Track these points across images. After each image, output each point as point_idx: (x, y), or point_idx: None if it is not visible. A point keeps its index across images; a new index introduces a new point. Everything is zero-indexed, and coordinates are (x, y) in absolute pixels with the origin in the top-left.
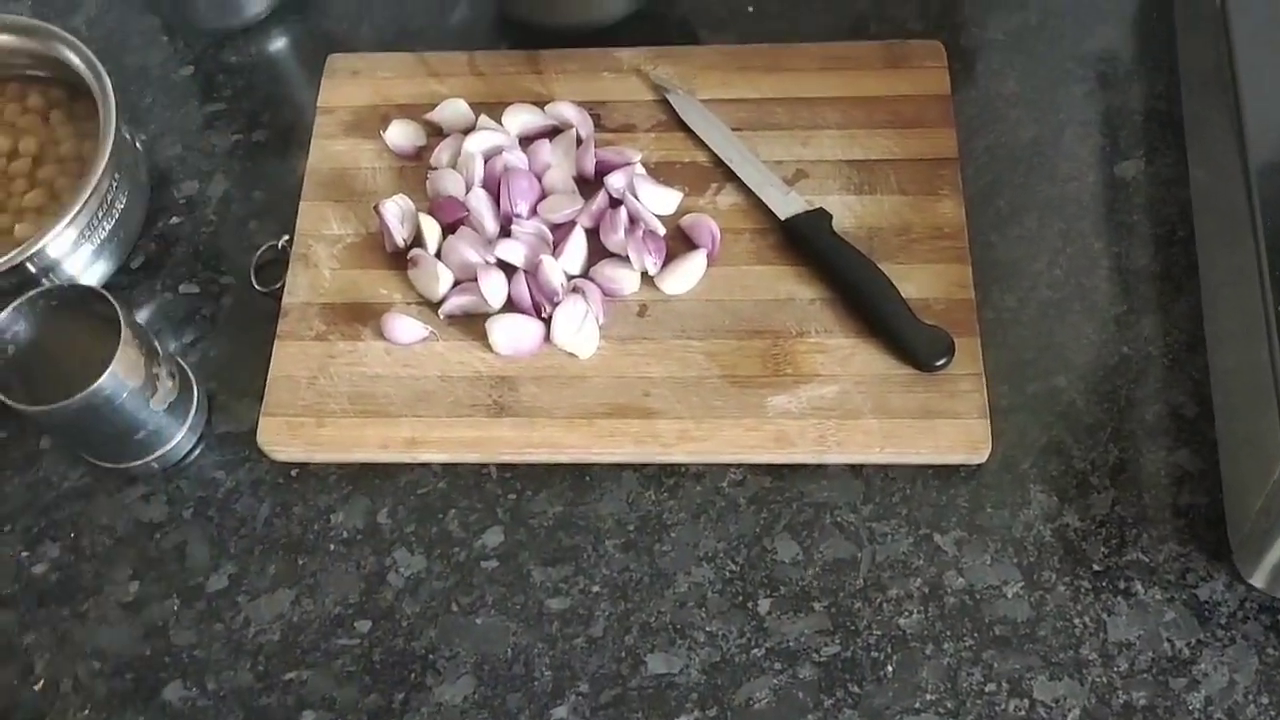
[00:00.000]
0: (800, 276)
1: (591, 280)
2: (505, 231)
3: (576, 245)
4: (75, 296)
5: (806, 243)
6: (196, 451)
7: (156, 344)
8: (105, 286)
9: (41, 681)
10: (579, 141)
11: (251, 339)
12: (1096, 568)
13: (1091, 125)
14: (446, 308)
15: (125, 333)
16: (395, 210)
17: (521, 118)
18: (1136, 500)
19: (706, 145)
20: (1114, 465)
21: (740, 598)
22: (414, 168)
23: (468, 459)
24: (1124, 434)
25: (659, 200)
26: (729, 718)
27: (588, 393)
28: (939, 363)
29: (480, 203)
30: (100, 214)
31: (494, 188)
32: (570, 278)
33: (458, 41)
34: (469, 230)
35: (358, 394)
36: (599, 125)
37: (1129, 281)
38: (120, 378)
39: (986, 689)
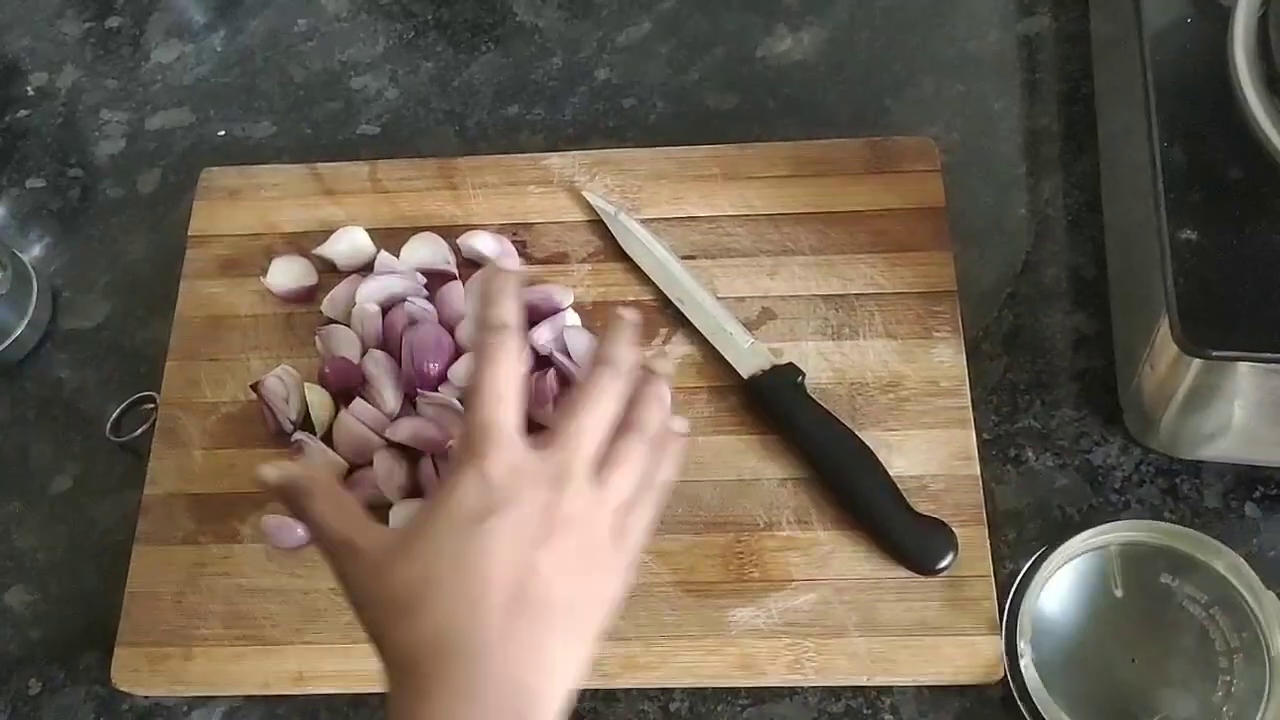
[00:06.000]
0: (767, 449)
1: None
2: (410, 400)
3: None
4: None
5: (774, 407)
6: (42, 350)
7: None
8: None
9: None
10: None
11: (100, 234)
12: (986, 437)
13: None
14: None
15: None
16: (278, 388)
17: (423, 252)
18: (1030, 366)
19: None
20: (1008, 331)
21: None
22: (304, 314)
23: (370, 690)
24: (1019, 298)
25: None
26: None
27: None
28: (939, 565)
29: (378, 367)
30: None
31: (396, 346)
32: None
33: None
34: (364, 404)
35: (234, 614)
36: (524, 254)
37: (1028, 142)
38: None
39: None
